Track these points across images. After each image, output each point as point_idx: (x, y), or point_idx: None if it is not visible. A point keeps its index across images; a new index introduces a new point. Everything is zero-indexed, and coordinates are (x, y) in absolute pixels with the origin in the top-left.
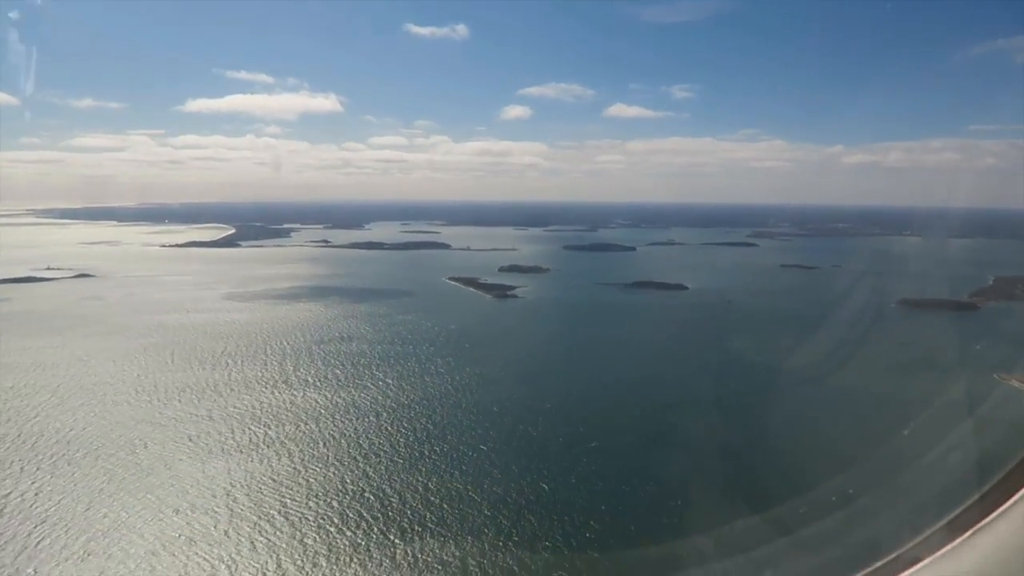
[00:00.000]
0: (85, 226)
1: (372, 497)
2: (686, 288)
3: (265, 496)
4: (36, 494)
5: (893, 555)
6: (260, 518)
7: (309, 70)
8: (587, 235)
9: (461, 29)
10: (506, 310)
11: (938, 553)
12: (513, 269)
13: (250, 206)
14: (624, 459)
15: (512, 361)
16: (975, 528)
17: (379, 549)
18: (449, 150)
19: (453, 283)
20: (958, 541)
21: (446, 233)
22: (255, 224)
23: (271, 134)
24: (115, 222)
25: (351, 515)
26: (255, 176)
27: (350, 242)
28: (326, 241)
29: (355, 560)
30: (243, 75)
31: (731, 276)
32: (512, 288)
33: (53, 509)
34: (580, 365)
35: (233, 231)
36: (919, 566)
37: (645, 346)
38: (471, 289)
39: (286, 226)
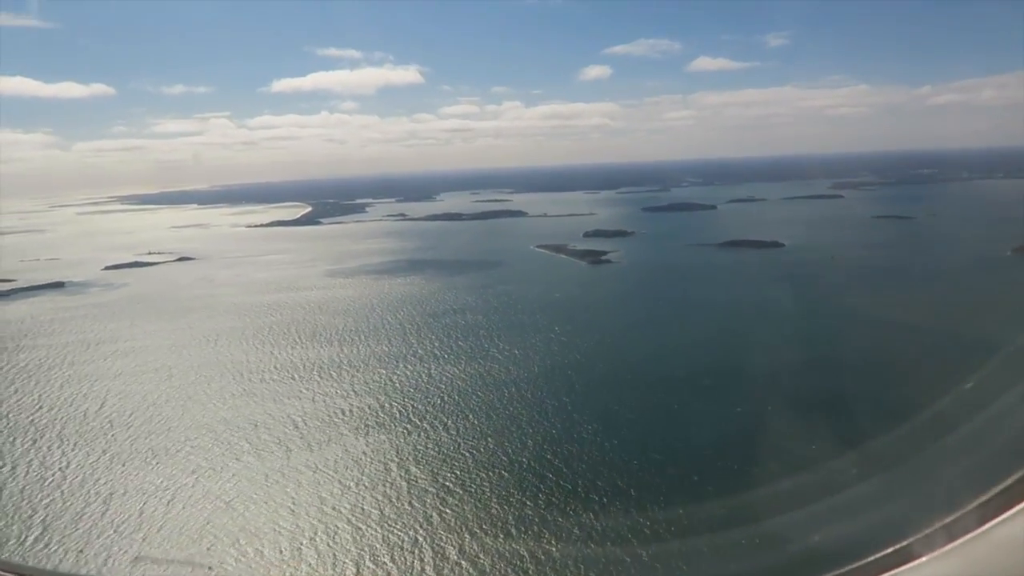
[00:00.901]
0: (170, 210)
1: (538, 467)
2: (782, 245)
3: (439, 469)
4: (221, 471)
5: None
6: (440, 491)
7: (394, 43)
8: (661, 195)
9: None
10: (604, 276)
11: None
12: (598, 234)
13: (320, 183)
14: (777, 420)
15: (630, 326)
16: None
17: (565, 518)
18: (519, 115)
19: (542, 251)
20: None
21: (517, 200)
22: (329, 201)
23: (346, 110)
24: (195, 205)
25: (527, 484)
26: (323, 153)
27: (427, 214)
28: (403, 215)
29: (547, 528)
30: (332, 52)
31: (825, 230)
32: (604, 253)
33: (234, 490)
34: (700, 330)
35: (310, 209)
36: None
37: (759, 307)
38: (562, 256)
39: (358, 201)
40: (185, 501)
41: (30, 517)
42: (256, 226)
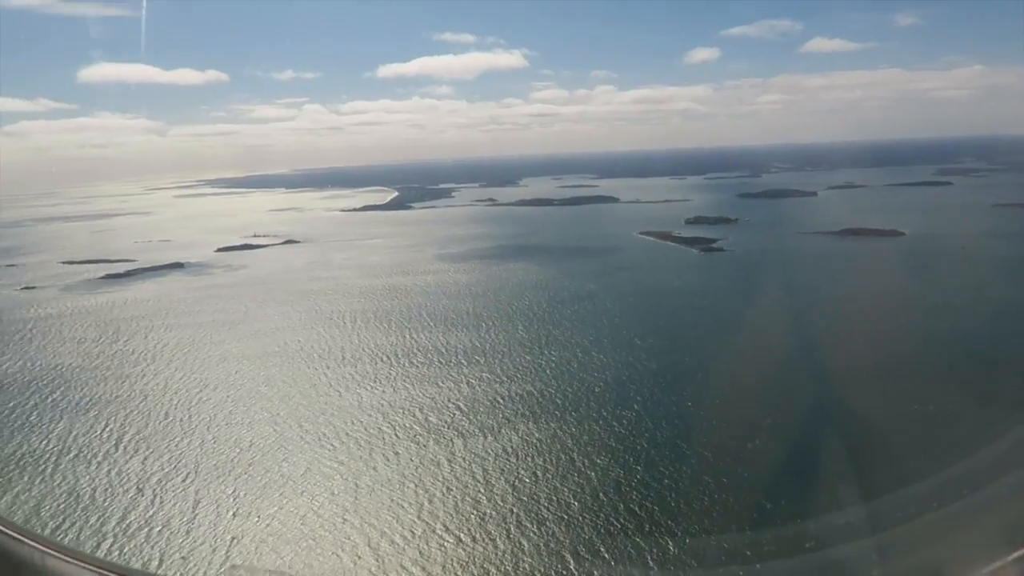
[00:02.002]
0: (260, 194)
1: (721, 464)
2: (902, 234)
3: (623, 462)
4: (401, 457)
5: None
6: (636, 488)
7: (507, 27)
8: (753, 181)
9: None
10: (720, 264)
11: None
12: (699, 221)
13: (399, 167)
14: (967, 422)
15: (770, 318)
16: None
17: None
18: (608, 100)
19: (647, 237)
20: None
21: (604, 186)
22: (413, 186)
23: (440, 95)
24: (283, 189)
25: (717, 483)
26: (404, 138)
27: (516, 200)
28: (491, 200)
29: (757, 530)
30: (447, 36)
31: (944, 219)
32: (712, 241)
33: (418, 478)
34: (855, 323)
35: (397, 194)
36: None
37: (903, 299)
38: (669, 243)
39: (442, 186)
40: (370, 486)
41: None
42: (349, 210)
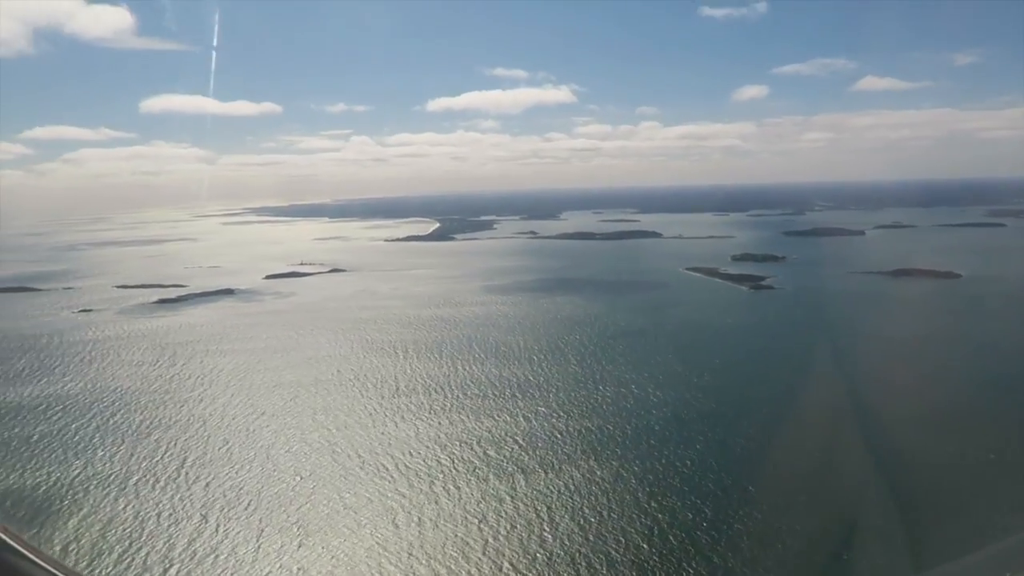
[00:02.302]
0: (305, 223)
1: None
2: (959, 276)
3: (691, 504)
4: (464, 491)
5: None
6: (709, 531)
7: (558, 63)
8: (797, 219)
9: (760, 7)
10: (771, 302)
11: None
12: (746, 258)
13: (438, 199)
14: None
15: (828, 360)
16: None
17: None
18: (650, 135)
19: (694, 273)
20: None
21: (645, 221)
22: (454, 217)
23: (485, 128)
24: (327, 219)
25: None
26: (445, 170)
27: (558, 233)
28: (533, 232)
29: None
30: (499, 72)
31: (1000, 261)
32: (761, 279)
33: (480, 513)
34: (903, 364)
35: (438, 224)
36: None
37: (967, 342)
38: (716, 279)
39: (483, 218)
40: (434, 520)
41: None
42: (393, 240)
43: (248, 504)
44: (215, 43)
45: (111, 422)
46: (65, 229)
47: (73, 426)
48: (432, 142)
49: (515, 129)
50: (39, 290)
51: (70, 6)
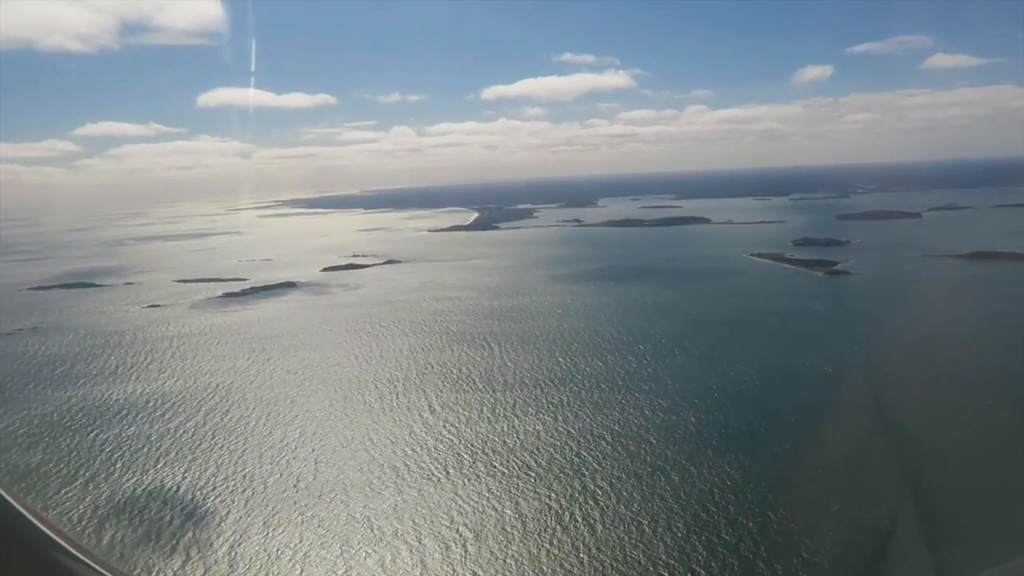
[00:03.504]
0: (340, 214)
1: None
2: None
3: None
4: (649, 483)
5: None
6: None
7: (625, 47)
8: (843, 202)
9: None
10: (854, 288)
11: None
12: (808, 243)
13: (468, 188)
14: None
15: (943, 343)
16: None
17: None
18: (692, 120)
19: (760, 259)
20: None
21: (687, 207)
22: (490, 206)
23: (530, 116)
24: (361, 210)
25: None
26: (476, 159)
27: (602, 220)
28: (577, 220)
29: None
30: (567, 57)
31: None
32: (832, 263)
33: (658, 510)
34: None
35: (477, 214)
36: None
37: None
38: (786, 266)
39: (520, 207)
40: (606, 522)
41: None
42: (437, 230)
43: (406, 519)
44: (274, 36)
45: (227, 420)
46: (105, 224)
47: (189, 424)
48: (471, 131)
49: (559, 117)
50: (100, 285)
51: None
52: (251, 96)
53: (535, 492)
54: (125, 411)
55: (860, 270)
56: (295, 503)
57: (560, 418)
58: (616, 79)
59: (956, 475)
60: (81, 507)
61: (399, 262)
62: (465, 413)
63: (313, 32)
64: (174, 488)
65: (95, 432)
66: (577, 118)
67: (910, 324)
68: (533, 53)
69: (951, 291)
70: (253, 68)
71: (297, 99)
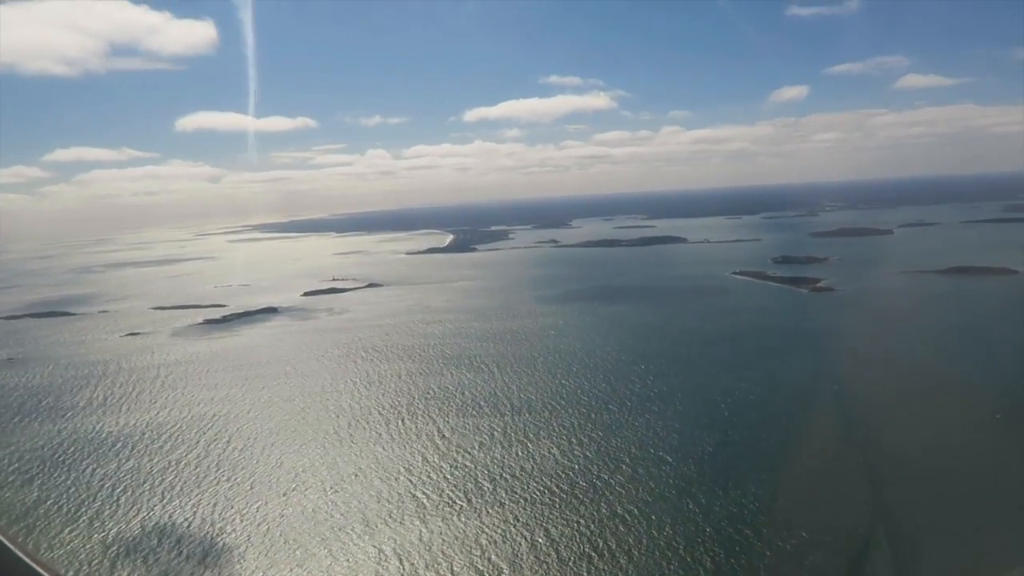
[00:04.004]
0: (314, 238)
1: None
2: (1016, 272)
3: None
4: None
5: None
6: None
7: (608, 69)
8: (813, 220)
9: (852, 4)
10: (841, 304)
11: None
12: (788, 260)
13: (441, 210)
14: None
15: (942, 359)
16: None
17: None
18: (665, 141)
19: (743, 277)
20: None
21: (661, 227)
22: (464, 228)
23: (509, 138)
24: (334, 233)
25: None
26: (447, 182)
27: (580, 241)
28: (555, 241)
29: None
30: (553, 79)
31: None
32: (816, 280)
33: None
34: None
35: (452, 236)
36: None
37: None
38: (771, 283)
39: (493, 228)
40: (633, 549)
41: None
42: (415, 253)
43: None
44: (253, 59)
45: (230, 451)
46: (71, 251)
47: (190, 456)
48: (445, 153)
49: (535, 139)
50: (73, 314)
51: (155, 21)
52: (230, 120)
53: (563, 518)
54: (120, 444)
55: (843, 287)
56: (319, 537)
57: (574, 441)
58: (597, 100)
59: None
60: (88, 547)
61: (380, 285)
62: (477, 438)
63: (297, 55)
64: (185, 524)
65: (92, 467)
66: (552, 140)
67: (903, 339)
68: (521, 75)
69: (936, 305)
70: (247, 91)
71: (277, 122)
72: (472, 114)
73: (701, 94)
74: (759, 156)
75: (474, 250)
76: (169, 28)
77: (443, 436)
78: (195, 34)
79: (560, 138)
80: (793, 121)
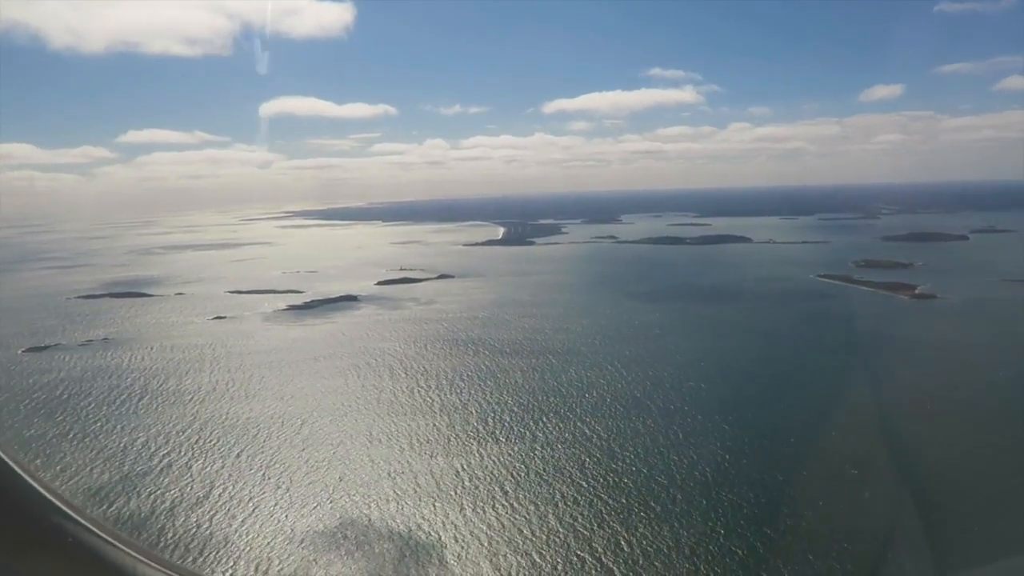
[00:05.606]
0: (360, 226)
1: None
2: None
3: None
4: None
5: None
6: None
7: (713, 64)
8: (875, 223)
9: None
10: (951, 315)
11: None
12: (871, 265)
13: (484, 201)
14: None
15: None
16: None
17: None
18: (725, 138)
19: (831, 281)
20: None
21: (717, 225)
22: (513, 221)
23: (575, 130)
24: (380, 222)
25: None
26: (492, 174)
27: (641, 237)
28: (613, 237)
29: None
30: (656, 72)
31: None
32: (912, 287)
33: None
34: None
35: (504, 229)
36: None
37: None
38: (860, 288)
39: (542, 222)
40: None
41: None
42: (473, 244)
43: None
44: (353, 45)
45: (414, 444)
46: (121, 233)
47: (337, 454)
48: (499, 145)
49: (601, 132)
50: (150, 295)
51: (294, 4)
52: (309, 105)
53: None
54: (263, 433)
55: (945, 294)
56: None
57: (746, 445)
58: (683, 95)
59: None
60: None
61: (452, 277)
62: (635, 441)
63: (389, 41)
64: (365, 518)
65: (243, 454)
66: (613, 134)
67: None
68: (621, 68)
69: None
70: (336, 77)
71: (358, 109)
72: (551, 105)
73: (790, 88)
74: (805, 156)
75: (532, 243)
76: (307, 9)
77: (601, 438)
78: (325, 17)
79: (622, 132)
80: (857, 120)
